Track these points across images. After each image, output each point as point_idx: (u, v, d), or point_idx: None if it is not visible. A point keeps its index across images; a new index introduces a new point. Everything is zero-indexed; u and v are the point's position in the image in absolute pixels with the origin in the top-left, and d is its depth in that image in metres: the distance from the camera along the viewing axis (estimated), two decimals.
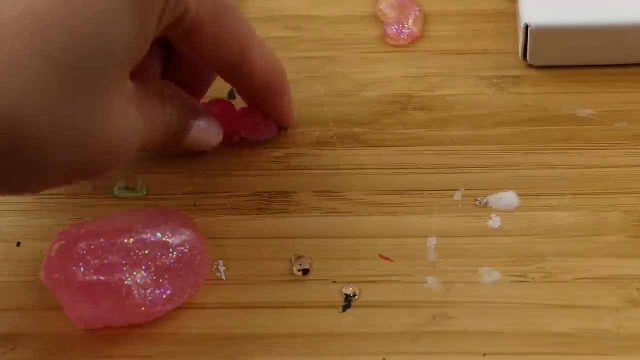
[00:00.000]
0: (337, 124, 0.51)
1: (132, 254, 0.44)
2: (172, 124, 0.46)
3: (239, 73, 0.47)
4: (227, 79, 0.48)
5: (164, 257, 0.44)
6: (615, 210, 0.47)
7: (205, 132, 0.48)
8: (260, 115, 0.50)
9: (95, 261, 0.43)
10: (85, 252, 0.43)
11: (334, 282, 0.46)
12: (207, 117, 0.48)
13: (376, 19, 0.55)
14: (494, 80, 0.52)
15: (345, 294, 0.45)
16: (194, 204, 0.49)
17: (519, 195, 0.48)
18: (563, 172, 0.49)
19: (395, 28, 0.54)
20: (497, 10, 0.55)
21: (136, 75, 0.43)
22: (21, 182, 0.40)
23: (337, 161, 0.50)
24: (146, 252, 0.44)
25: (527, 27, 0.51)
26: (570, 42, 0.51)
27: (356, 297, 0.45)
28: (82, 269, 0.43)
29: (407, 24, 0.54)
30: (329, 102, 0.52)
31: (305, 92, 0.52)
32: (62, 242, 0.44)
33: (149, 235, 0.44)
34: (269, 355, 0.44)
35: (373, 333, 0.44)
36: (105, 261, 0.43)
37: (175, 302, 0.44)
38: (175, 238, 0.44)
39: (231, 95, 0.52)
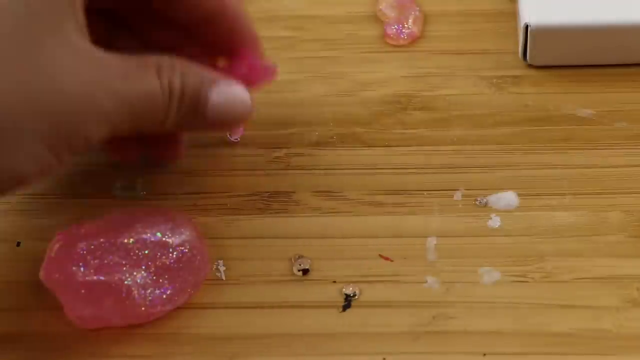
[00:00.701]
0: (337, 124, 0.51)
1: (132, 254, 0.44)
2: (177, 94, 0.43)
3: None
4: (157, 15, 0.46)
5: (164, 257, 0.44)
6: (615, 210, 0.47)
7: (230, 99, 0.44)
8: (246, 60, 0.47)
9: (95, 261, 0.43)
10: (85, 252, 0.43)
11: (334, 282, 0.46)
12: (229, 83, 0.45)
13: (376, 19, 0.55)
14: (494, 80, 0.52)
15: (345, 294, 0.45)
16: (194, 204, 0.49)
17: (519, 195, 0.48)
18: (563, 172, 0.49)
19: (395, 28, 0.54)
20: (497, 10, 0.55)
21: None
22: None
23: (337, 161, 0.50)
24: (146, 252, 0.44)
25: (527, 27, 0.51)
26: (570, 42, 0.51)
27: (356, 297, 0.45)
28: (82, 269, 0.43)
29: (407, 24, 0.54)
30: (329, 102, 0.52)
31: (305, 92, 0.52)
32: (62, 242, 0.44)
33: (149, 235, 0.44)
34: (269, 355, 0.44)
35: (373, 333, 0.44)
36: (105, 261, 0.43)
37: (175, 302, 0.44)
38: (175, 238, 0.44)
39: None
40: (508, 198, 0.48)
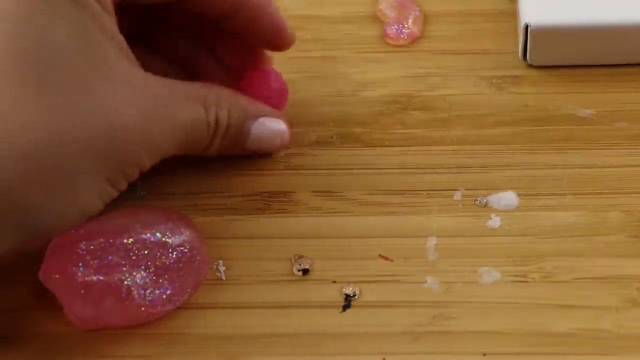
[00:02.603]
0: (337, 124, 0.51)
1: (131, 254, 0.44)
2: (223, 128, 0.46)
3: None
4: (184, 14, 0.47)
5: (163, 257, 0.44)
6: (615, 210, 0.47)
7: (268, 133, 0.48)
8: (265, 78, 0.50)
9: (95, 261, 0.43)
10: (84, 252, 0.43)
11: (334, 282, 0.46)
12: (270, 118, 0.48)
13: (376, 19, 0.55)
14: (494, 80, 0.52)
15: (345, 294, 0.45)
16: (194, 204, 0.49)
17: (519, 195, 0.48)
18: (563, 172, 0.49)
19: (395, 28, 0.54)
20: (497, 10, 0.55)
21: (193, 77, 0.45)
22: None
23: (337, 161, 0.50)
24: (146, 252, 0.44)
25: (527, 27, 0.51)
26: (570, 42, 0.51)
27: (356, 297, 0.45)
28: (81, 269, 0.43)
29: (407, 24, 0.54)
30: (329, 102, 0.52)
31: (305, 92, 0.52)
32: (62, 242, 0.44)
33: (148, 235, 0.44)
34: (269, 355, 0.44)
35: (373, 333, 0.44)
36: (105, 261, 0.43)
37: (175, 302, 0.44)
38: (175, 238, 0.44)
39: None
40: (508, 198, 0.48)
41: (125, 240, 0.44)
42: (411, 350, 0.44)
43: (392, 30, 0.54)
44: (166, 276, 0.44)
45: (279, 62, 0.53)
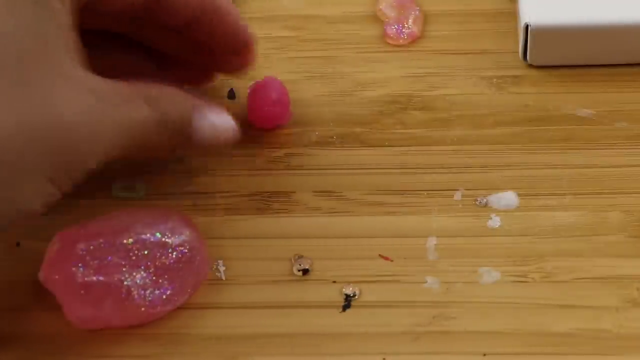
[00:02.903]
0: (337, 124, 0.51)
1: (131, 254, 0.44)
2: (165, 123, 0.45)
3: (159, 5, 0.45)
4: (148, 23, 0.47)
5: (163, 257, 0.44)
6: (615, 210, 0.47)
7: (211, 125, 0.46)
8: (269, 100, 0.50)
9: (95, 262, 0.43)
10: (84, 252, 0.43)
11: (334, 282, 0.46)
12: (213, 111, 0.47)
13: (376, 19, 0.55)
14: (494, 80, 0.52)
15: (345, 294, 0.45)
16: (194, 204, 0.49)
17: (519, 195, 0.48)
18: (563, 172, 0.49)
19: (395, 28, 0.54)
20: (497, 10, 0.55)
21: (121, 77, 0.43)
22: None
23: (337, 161, 0.50)
24: (146, 252, 0.44)
25: (527, 27, 0.51)
26: (570, 42, 0.51)
27: (356, 297, 0.45)
28: (81, 269, 0.43)
29: (407, 24, 0.54)
30: (329, 102, 0.52)
31: (305, 92, 0.52)
32: (62, 242, 0.44)
33: (148, 235, 0.44)
34: (269, 355, 0.44)
35: (373, 333, 0.44)
36: (105, 262, 0.43)
37: (175, 302, 0.44)
38: (175, 238, 0.44)
39: (231, 95, 0.52)
40: (508, 198, 0.48)
41: (125, 241, 0.44)
42: (411, 350, 0.44)
43: (392, 30, 0.54)
44: (166, 276, 0.44)
45: (279, 62, 0.53)
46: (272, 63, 0.53)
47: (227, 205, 0.48)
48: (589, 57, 0.52)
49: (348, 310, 0.45)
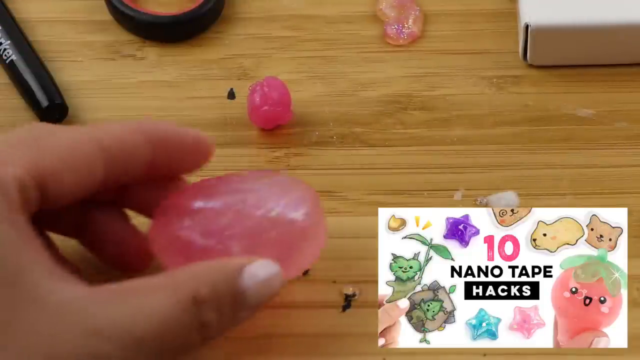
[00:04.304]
0: (337, 124, 0.51)
1: (240, 222, 0.42)
2: (209, 301, 0.40)
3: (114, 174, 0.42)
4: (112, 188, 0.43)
5: (273, 231, 0.42)
6: None
7: (262, 280, 0.41)
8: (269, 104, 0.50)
9: (201, 226, 0.42)
10: (191, 216, 0.42)
11: (334, 282, 0.46)
12: (258, 262, 0.41)
13: (376, 19, 0.55)
14: (494, 80, 0.52)
15: (345, 294, 0.45)
16: None
17: (519, 195, 0.48)
18: (563, 172, 0.49)
19: (395, 28, 0.54)
20: (497, 10, 0.55)
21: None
22: None
23: (337, 161, 0.50)
24: (253, 225, 0.42)
25: (527, 27, 0.51)
26: (570, 42, 0.51)
27: (356, 297, 0.45)
28: (187, 232, 0.42)
29: (407, 24, 0.54)
30: (329, 102, 0.52)
31: (305, 92, 0.52)
32: (169, 203, 0.43)
33: (263, 210, 0.42)
34: (269, 355, 0.44)
35: (373, 333, 0.44)
36: (213, 227, 0.42)
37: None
38: (293, 211, 0.43)
39: (231, 95, 0.52)
40: (508, 198, 0.48)
41: (235, 208, 0.42)
42: (411, 350, 0.44)
43: (392, 30, 0.54)
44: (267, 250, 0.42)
45: (279, 62, 0.53)
46: (272, 63, 0.53)
47: None
48: (589, 57, 0.52)
49: (348, 310, 0.45)
